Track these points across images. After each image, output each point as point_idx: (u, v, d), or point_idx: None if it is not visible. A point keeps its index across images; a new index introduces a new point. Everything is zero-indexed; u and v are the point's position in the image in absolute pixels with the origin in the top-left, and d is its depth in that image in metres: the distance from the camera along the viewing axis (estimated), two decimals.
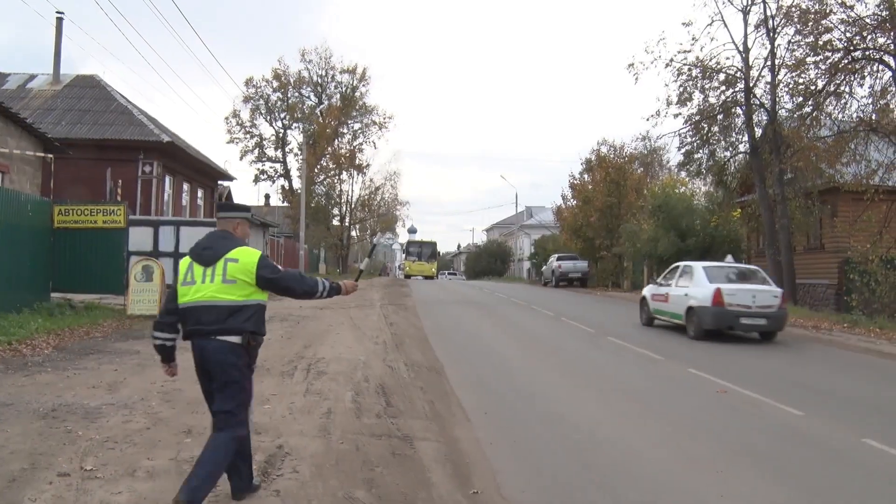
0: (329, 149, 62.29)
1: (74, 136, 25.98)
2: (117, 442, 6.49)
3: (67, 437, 6.59)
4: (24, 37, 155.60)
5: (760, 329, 16.79)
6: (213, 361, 4.98)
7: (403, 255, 69.01)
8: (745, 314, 16.36)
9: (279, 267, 5.25)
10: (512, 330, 18.46)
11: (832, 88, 23.02)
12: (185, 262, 5.11)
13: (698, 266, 18.27)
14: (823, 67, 23.07)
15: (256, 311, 5.04)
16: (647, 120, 46.54)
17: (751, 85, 26.83)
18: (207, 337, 4.95)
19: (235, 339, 4.92)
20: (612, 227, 43.74)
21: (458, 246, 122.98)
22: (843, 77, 22.74)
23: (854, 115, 23.03)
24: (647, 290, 20.44)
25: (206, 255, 5.02)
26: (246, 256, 4.97)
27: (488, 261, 77.09)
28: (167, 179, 29.86)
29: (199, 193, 34.96)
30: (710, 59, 27.07)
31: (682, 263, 19.67)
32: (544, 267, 51.63)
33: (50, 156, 19.38)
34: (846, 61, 22.43)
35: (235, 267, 4.93)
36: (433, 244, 66.98)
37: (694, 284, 17.40)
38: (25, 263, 15.48)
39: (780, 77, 25.79)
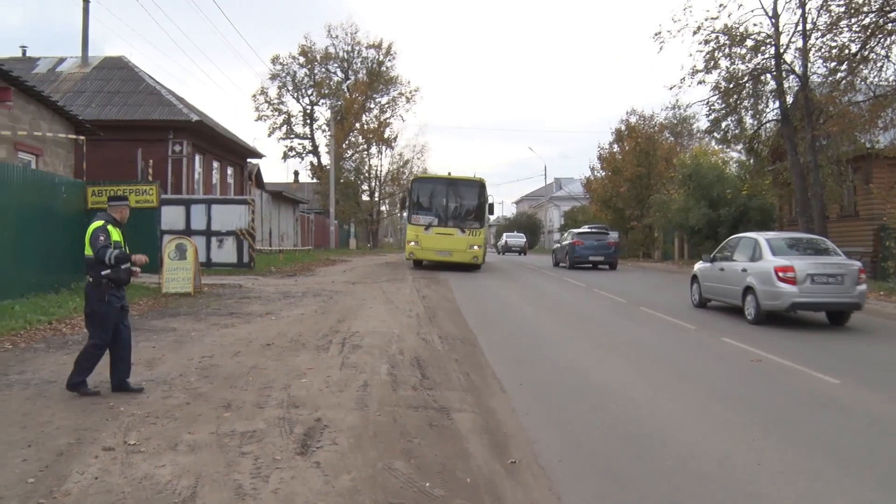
0: (357, 124, 62.20)
1: (105, 118, 26.26)
2: (158, 417, 6.59)
3: (110, 413, 6.70)
4: (49, 17, 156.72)
5: (599, 263, 32.75)
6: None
7: (405, 212, 31.64)
8: (592, 254, 32.27)
9: (102, 239, 7.41)
10: (544, 301, 18.44)
11: (866, 52, 22.52)
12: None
13: (572, 231, 35.16)
14: (857, 29, 22.57)
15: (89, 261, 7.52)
16: (671, 89, 46.12)
17: (781, 51, 26.30)
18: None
19: (89, 279, 7.54)
20: (642, 198, 43.46)
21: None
22: (877, 40, 22.23)
23: (891, 79, 22.51)
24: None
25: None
26: (92, 226, 7.54)
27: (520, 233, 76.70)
28: (197, 158, 30.09)
29: (229, 171, 35.20)
30: (739, 26, 26.60)
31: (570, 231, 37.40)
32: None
33: (81, 138, 19.56)
34: (881, 22, 21.90)
35: (87, 234, 7.50)
36: (476, 185, 28.58)
37: (565, 239, 33.26)
38: (61, 245, 15.65)
39: (811, 41, 25.27)
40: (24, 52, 33.15)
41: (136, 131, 27.13)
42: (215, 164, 33.07)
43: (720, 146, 35.92)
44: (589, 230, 35.51)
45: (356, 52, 66.30)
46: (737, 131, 29.28)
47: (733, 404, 7.86)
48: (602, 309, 16.80)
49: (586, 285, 22.74)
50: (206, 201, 25.64)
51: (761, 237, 15.69)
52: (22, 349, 9.95)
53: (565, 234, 38.15)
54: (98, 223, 7.51)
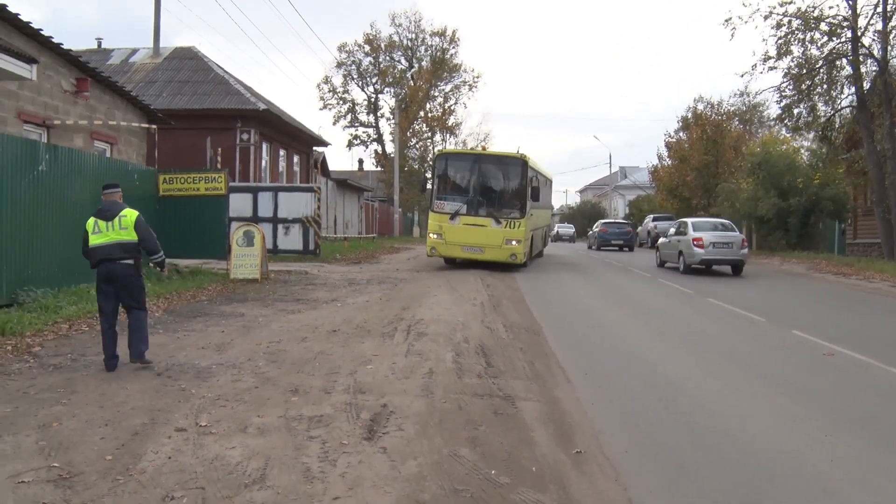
0: (421, 112, 62.36)
1: (175, 107, 26.82)
2: (228, 400, 6.73)
3: (182, 395, 6.87)
4: (122, 8, 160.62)
5: (620, 245, 41.46)
6: (119, 275, 7.97)
7: (431, 197, 23.76)
8: (613, 239, 41.61)
9: (150, 229, 8.28)
10: (608, 292, 18.29)
11: None
12: (91, 222, 8.02)
13: (599, 222, 46.43)
14: None
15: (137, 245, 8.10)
16: (741, 77, 45.16)
17: (858, 34, 25.52)
18: (115, 262, 7.90)
19: (130, 261, 8.00)
20: (709, 187, 42.75)
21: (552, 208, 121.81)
22: None
23: None
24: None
25: (108, 214, 8.01)
26: (130, 213, 8.06)
27: (582, 222, 76.01)
28: (264, 146, 30.54)
29: (295, 159, 35.64)
30: (813, 9, 25.88)
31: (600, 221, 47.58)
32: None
33: (154, 127, 20.02)
34: None
35: (126, 219, 7.97)
36: (517, 164, 22.26)
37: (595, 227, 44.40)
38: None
39: (892, 23, 24.45)
40: (99, 44, 34.07)
41: (205, 120, 27.65)
42: (282, 152, 33.52)
43: (791, 134, 35.06)
44: (612, 221, 50.33)
45: (420, 40, 66.52)
46: (809, 118, 28.54)
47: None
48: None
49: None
50: (273, 189, 26.01)
51: (690, 220, 25.24)
52: (98, 331, 10.15)
53: (595, 224, 47.79)
54: (136, 212, 8.17)
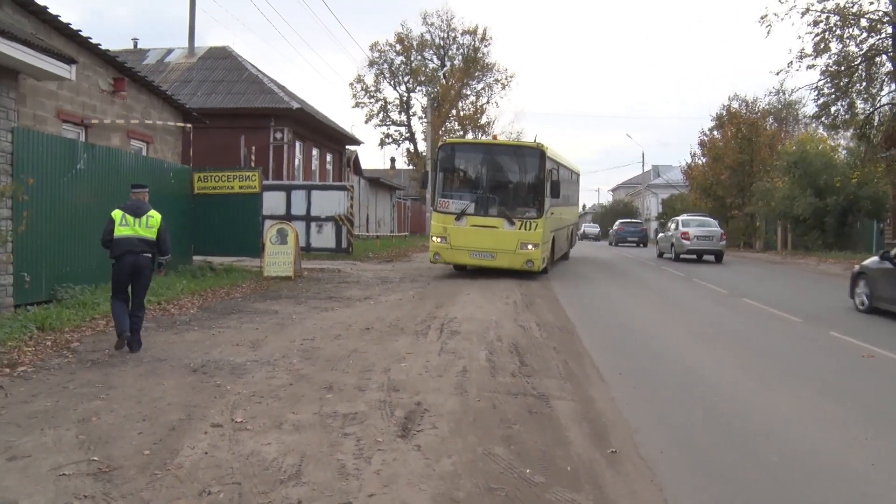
0: (453, 110, 62.35)
1: (210, 106, 27.07)
2: (263, 396, 6.78)
3: (217, 391, 6.93)
4: (158, 8, 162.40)
5: (635, 241, 50.05)
6: (141, 267, 8.77)
7: (434, 194, 20.18)
8: (629, 236, 50.66)
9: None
10: (641, 291, 18.16)
11: None
12: (119, 214, 8.78)
13: (618, 221, 55.56)
14: None
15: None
16: (777, 74, 44.58)
17: None
18: (138, 255, 8.71)
19: (150, 255, 8.87)
20: (744, 186, 42.25)
21: (584, 206, 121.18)
22: None
23: None
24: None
25: (138, 211, 8.83)
26: (156, 215, 8.97)
27: (614, 221, 75.67)
28: (297, 145, 30.72)
29: (328, 158, 35.81)
30: (852, 5, 25.50)
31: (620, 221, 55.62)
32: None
33: (189, 125, 20.17)
34: None
35: (152, 220, 8.88)
36: (534, 155, 19.10)
37: (614, 227, 54.57)
38: (169, 228, 16.23)
39: None
40: (135, 45, 34.52)
41: (239, 119, 27.89)
42: (315, 151, 33.70)
43: (828, 132, 34.60)
44: (628, 220, 57.38)
45: (451, 39, 66.42)
46: (847, 116, 28.10)
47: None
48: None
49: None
50: (306, 187, 26.17)
51: (679, 218, 31.44)
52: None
53: (615, 224, 55.55)
54: (160, 216, 9.05)
